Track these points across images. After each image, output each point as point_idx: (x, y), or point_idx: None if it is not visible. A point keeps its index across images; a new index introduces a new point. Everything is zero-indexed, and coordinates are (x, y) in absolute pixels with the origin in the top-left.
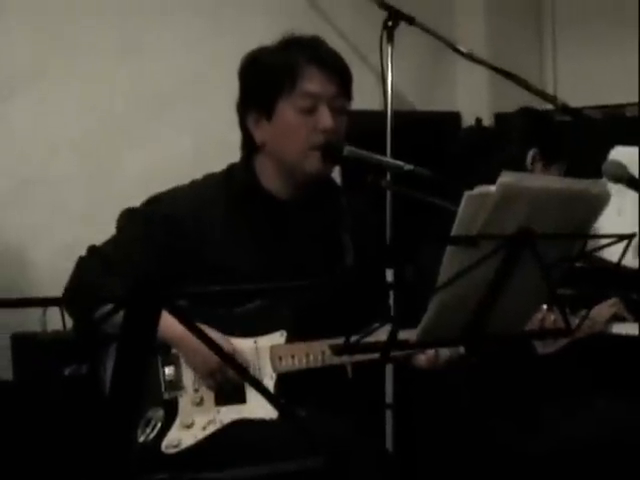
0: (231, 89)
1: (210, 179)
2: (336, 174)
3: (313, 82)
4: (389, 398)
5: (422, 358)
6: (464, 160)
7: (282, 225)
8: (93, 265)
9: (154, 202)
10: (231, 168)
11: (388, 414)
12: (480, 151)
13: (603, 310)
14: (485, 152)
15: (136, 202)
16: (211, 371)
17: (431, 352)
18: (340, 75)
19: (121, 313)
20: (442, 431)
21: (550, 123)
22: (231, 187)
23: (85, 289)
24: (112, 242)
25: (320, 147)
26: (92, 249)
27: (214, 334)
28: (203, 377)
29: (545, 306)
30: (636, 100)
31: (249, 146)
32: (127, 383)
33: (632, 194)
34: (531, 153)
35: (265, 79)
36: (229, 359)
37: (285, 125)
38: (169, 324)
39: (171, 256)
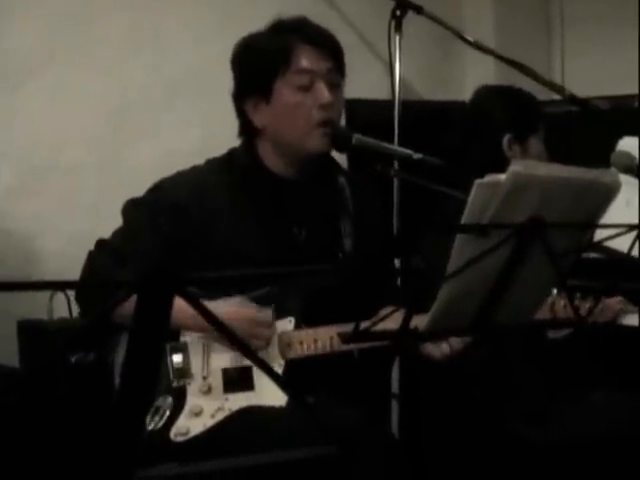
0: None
1: (212, 164)
2: (343, 162)
3: (307, 59)
4: (395, 387)
5: (436, 350)
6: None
7: (285, 205)
8: (103, 259)
9: (157, 190)
10: (232, 152)
11: (394, 403)
12: (456, 148)
13: (612, 302)
14: (461, 148)
15: (144, 192)
16: (243, 333)
17: (445, 347)
18: (332, 51)
19: (131, 303)
20: (449, 420)
21: (515, 97)
22: (233, 170)
23: (97, 282)
24: (120, 234)
25: (322, 124)
26: (101, 243)
27: (233, 307)
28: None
29: (555, 291)
30: None
31: (248, 131)
32: (139, 371)
33: None
34: (505, 139)
35: (259, 63)
36: (242, 345)
37: (284, 105)
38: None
39: (179, 243)
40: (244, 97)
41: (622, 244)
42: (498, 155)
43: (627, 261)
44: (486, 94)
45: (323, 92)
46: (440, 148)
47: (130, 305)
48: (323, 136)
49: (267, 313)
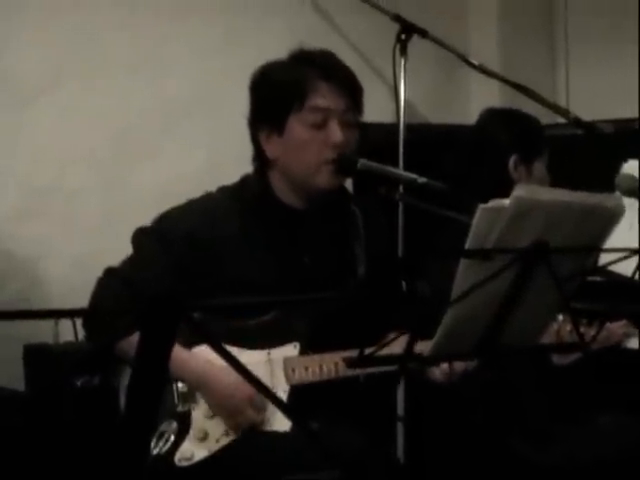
0: (245, 102)
1: (224, 191)
2: (349, 185)
3: (322, 97)
4: (400, 410)
5: (437, 371)
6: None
7: (297, 235)
8: (112, 287)
9: (169, 218)
10: (245, 180)
11: (399, 426)
12: (462, 170)
13: (615, 326)
14: (466, 170)
15: (150, 214)
16: (235, 409)
17: (445, 366)
18: (350, 89)
19: (134, 339)
20: (454, 443)
21: (520, 121)
22: (245, 198)
23: (105, 311)
24: (129, 262)
25: (331, 161)
26: (110, 270)
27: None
28: (229, 416)
29: (561, 316)
30: None
31: (261, 160)
32: (143, 396)
33: None
34: (512, 160)
35: (275, 95)
36: (247, 373)
37: (296, 141)
38: (189, 364)
39: (191, 272)
40: (258, 126)
41: (626, 268)
42: (504, 176)
43: (631, 285)
44: (492, 116)
45: (336, 132)
46: (445, 171)
47: (133, 341)
48: (333, 173)
49: (263, 399)
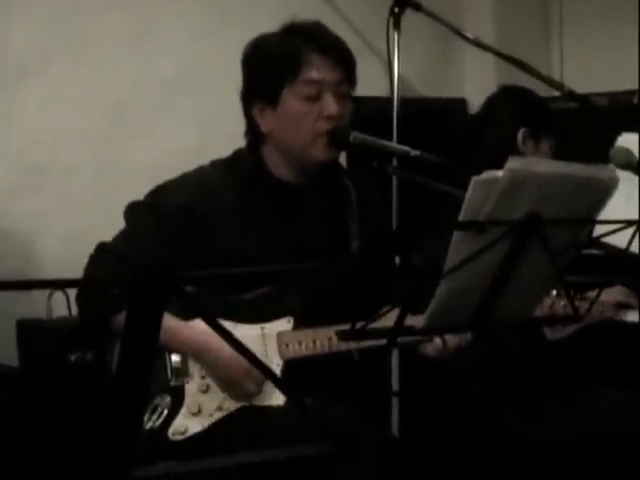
0: (237, 79)
1: (216, 165)
2: (342, 159)
3: (316, 69)
4: (395, 385)
5: (430, 346)
6: (456, 146)
7: (290, 209)
8: (105, 262)
9: (162, 192)
10: (237, 154)
11: (394, 401)
12: (470, 136)
13: (610, 295)
14: (475, 137)
15: (143, 190)
16: (234, 379)
17: (439, 341)
18: (343, 61)
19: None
20: (448, 418)
21: (535, 99)
22: (238, 173)
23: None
24: (122, 236)
25: (326, 133)
26: (101, 246)
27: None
28: (227, 386)
29: (555, 292)
30: None
31: (254, 134)
32: (133, 370)
33: None
34: (521, 133)
35: (268, 69)
36: (241, 346)
37: (290, 114)
38: (188, 335)
39: (184, 246)
40: (251, 100)
41: (621, 240)
42: (512, 148)
43: (625, 257)
44: (506, 91)
45: (330, 104)
46: (447, 142)
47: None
48: (327, 145)
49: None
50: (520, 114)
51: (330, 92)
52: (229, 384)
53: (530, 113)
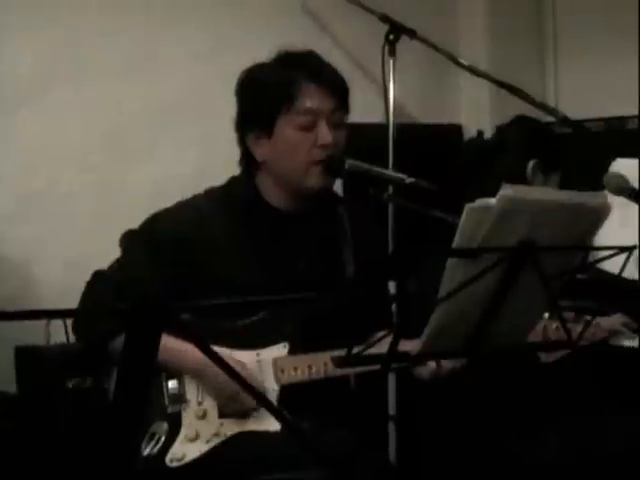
0: (236, 104)
1: (211, 193)
2: (338, 186)
3: (311, 98)
4: (392, 409)
5: (424, 369)
6: (466, 172)
7: (284, 237)
8: (100, 290)
9: (156, 221)
10: (232, 182)
11: (391, 426)
12: (481, 163)
13: (607, 321)
14: (486, 164)
15: (143, 216)
16: (230, 396)
17: (433, 363)
18: (337, 89)
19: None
20: (446, 443)
21: (547, 133)
22: (232, 200)
23: (92, 313)
24: (118, 265)
25: (321, 162)
26: (98, 274)
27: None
28: (225, 403)
29: (547, 314)
30: (636, 113)
31: (249, 162)
32: (130, 396)
33: (636, 206)
34: (531, 164)
35: (263, 98)
36: (233, 372)
37: (285, 143)
38: (189, 354)
39: (179, 274)
40: (246, 129)
41: (615, 266)
42: (521, 177)
43: (619, 282)
44: (520, 120)
45: (325, 133)
46: (444, 168)
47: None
48: (322, 173)
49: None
50: (532, 145)
51: (325, 121)
52: (228, 400)
53: (542, 146)
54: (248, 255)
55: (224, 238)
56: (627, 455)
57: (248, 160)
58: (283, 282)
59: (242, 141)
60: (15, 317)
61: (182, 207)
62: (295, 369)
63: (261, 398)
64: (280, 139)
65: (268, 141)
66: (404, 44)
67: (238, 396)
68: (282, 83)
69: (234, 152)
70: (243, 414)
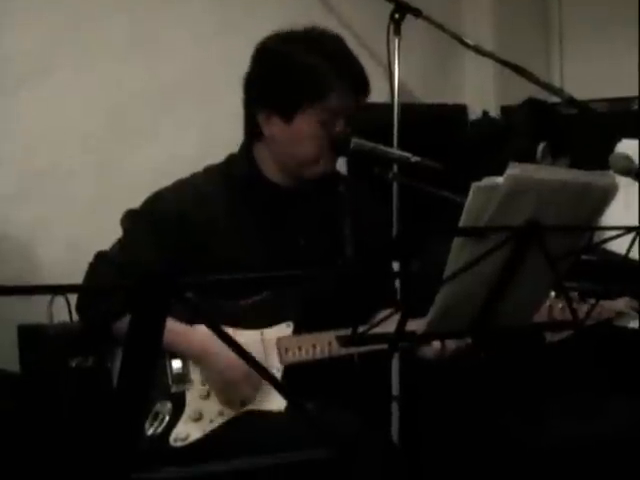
0: (240, 86)
1: (210, 172)
2: (343, 165)
3: (338, 99)
4: (395, 390)
5: (429, 349)
6: (473, 152)
7: (284, 215)
8: (103, 270)
9: (158, 200)
10: (231, 159)
11: (394, 406)
12: (489, 143)
13: (614, 304)
14: (494, 144)
15: (143, 197)
16: (231, 382)
17: (437, 343)
18: (364, 90)
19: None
20: (448, 423)
21: (557, 116)
22: (232, 177)
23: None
24: (120, 245)
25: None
26: (100, 255)
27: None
28: (223, 389)
29: (553, 294)
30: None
31: (251, 132)
32: (135, 375)
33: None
34: (541, 147)
35: (291, 86)
36: (242, 351)
37: (301, 133)
38: (190, 337)
39: (181, 254)
40: (260, 102)
41: (621, 246)
42: (530, 159)
43: (624, 263)
44: (532, 103)
45: (342, 128)
46: (448, 148)
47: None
48: (329, 158)
49: (258, 378)
50: (542, 128)
51: (343, 118)
52: (227, 387)
53: (552, 129)
54: (248, 234)
55: (224, 218)
56: (631, 437)
57: (251, 131)
58: (284, 259)
59: (250, 113)
60: (18, 292)
61: (182, 186)
62: (299, 348)
63: (269, 376)
64: (298, 129)
65: (283, 124)
66: (409, 23)
67: (237, 385)
68: (314, 78)
69: (236, 134)
70: (242, 402)
